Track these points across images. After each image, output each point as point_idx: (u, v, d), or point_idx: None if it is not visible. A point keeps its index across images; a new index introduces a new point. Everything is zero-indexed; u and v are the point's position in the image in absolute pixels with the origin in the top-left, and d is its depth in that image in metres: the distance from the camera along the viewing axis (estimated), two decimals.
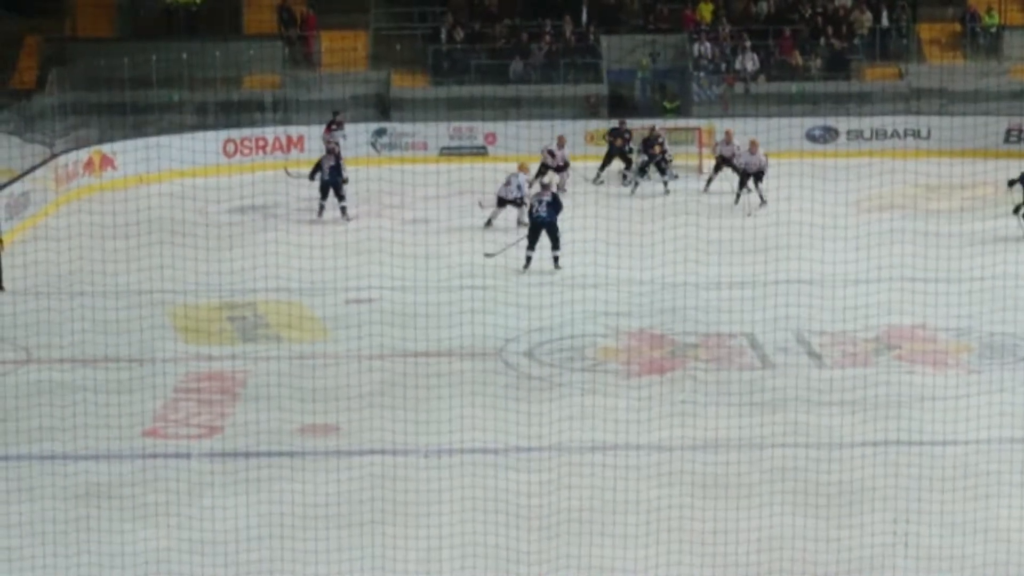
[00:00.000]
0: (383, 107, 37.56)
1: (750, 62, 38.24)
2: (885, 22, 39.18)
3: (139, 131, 34.07)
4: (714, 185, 31.38)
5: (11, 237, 25.01)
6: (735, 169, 30.76)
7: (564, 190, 30.38)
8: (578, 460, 15.32)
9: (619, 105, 37.79)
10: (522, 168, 27.69)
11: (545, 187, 25.04)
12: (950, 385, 17.75)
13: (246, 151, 35.40)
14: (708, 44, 38.55)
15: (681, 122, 36.26)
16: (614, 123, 34.41)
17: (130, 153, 31.66)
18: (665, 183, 31.85)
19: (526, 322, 20.09)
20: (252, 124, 36.22)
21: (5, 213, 26.53)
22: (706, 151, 34.30)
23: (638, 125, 33.97)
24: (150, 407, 17.24)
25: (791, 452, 15.53)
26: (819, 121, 36.56)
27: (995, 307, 19.99)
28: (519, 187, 27.11)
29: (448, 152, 35.77)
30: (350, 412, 16.41)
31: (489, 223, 27.30)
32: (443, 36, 38.52)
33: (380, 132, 36.38)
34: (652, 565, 12.87)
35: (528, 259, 23.98)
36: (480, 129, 36.12)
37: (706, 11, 39.52)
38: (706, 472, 14.87)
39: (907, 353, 19.56)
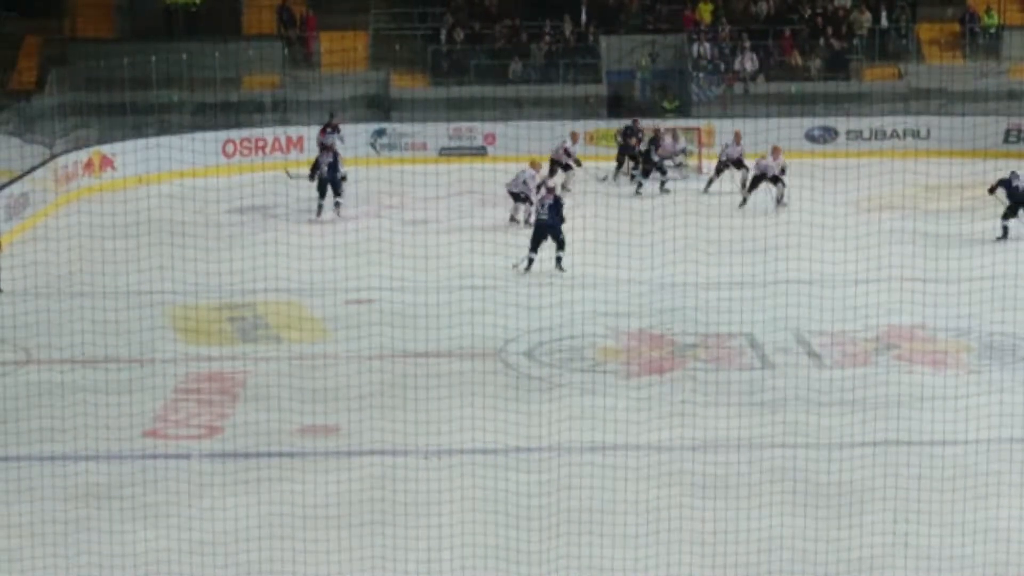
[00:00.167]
0: (383, 107, 37.56)
1: (749, 62, 38.25)
2: (884, 22, 39.20)
3: (139, 132, 34.08)
4: (714, 186, 31.39)
5: (11, 238, 25.01)
6: (739, 168, 30.79)
7: (568, 189, 30.38)
8: (578, 460, 15.30)
9: (619, 105, 37.81)
10: (533, 165, 27.61)
11: (550, 190, 24.88)
12: (950, 385, 17.75)
13: (245, 152, 35.41)
14: (707, 44, 38.58)
15: (681, 122, 36.26)
16: (627, 122, 34.41)
17: (130, 154, 31.66)
18: (663, 183, 31.82)
19: (526, 322, 20.08)
20: (251, 125, 36.22)
21: (5, 214, 26.54)
22: (707, 151, 34.32)
23: (638, 125, 34.02)
24: (150, 408, 17.25)
25: (791, 452, 15.52)
26: (818, 121, 36.56)
27: (995, 307, 19.96)
28: (524, 182, 27.06)
29: (448, 152, 35.78)
30: (350, 413, 16.39)
31: (512, 219, 27.45)
32: (443, 36, 38.54)
33: (380, 132, 36.40)
34: (652, 565, 12.86)
35: (530, 261, 23.96)
36: (480, 129, 36.13)
37: (706, 11, 39.53)
38: (706, 472, 14.85)
39: (907, 353, 19.56)
